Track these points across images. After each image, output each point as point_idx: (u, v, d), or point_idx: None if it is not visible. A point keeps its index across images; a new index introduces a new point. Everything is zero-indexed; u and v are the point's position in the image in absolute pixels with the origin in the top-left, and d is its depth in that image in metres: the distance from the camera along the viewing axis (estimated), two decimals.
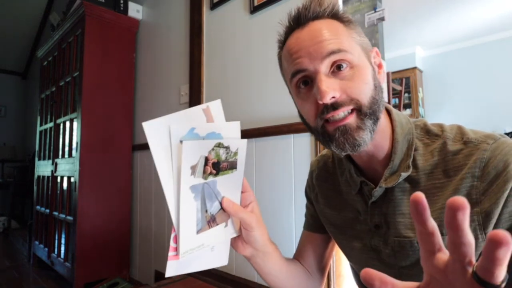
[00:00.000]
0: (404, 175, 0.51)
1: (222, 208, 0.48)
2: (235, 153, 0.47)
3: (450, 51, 4.59)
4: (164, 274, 2.15)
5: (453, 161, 0.49)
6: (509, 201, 0.44)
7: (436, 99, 4.70)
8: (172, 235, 0.43)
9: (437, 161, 0.51)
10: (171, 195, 0.42)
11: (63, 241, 2.20)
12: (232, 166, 0.48)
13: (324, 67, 0.47)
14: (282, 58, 0.55)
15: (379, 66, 0.53)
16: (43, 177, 2.62)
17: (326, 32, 0.48)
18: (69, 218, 2.09)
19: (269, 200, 1.38)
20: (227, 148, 0.45)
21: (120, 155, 2.19)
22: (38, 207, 2.66)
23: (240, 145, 0.47)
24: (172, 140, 0.41)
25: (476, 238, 0.46)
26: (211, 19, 1.75)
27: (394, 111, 0.56)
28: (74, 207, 2.02)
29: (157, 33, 2.19)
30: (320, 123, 0.49)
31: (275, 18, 1.41)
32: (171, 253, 0.43)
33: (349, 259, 0.66)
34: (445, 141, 0.51)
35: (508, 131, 3.79)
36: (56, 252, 2.28)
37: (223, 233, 0.49)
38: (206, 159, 0.43)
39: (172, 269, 0.44)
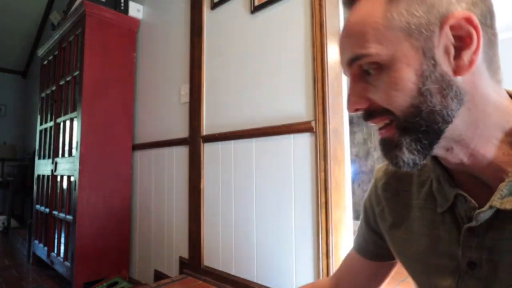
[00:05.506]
0: None
1: None
2: None
3: None
4: (163, 274, 2.13)
5: None
6: None
7: None
8: None
9: None
10: None
11: (62, 240, 2.20)
12: None
13: (352, 72, 0.40)
14: None
15: (465, 39, 0.35)
16: (43, 176, 2.62)
17: (353, 29, 0.38)
18: (69, 217, 2.09)
19: (268, 200, 1.38)
20: None
21: (120, 155, 2.19)
22: (38, 206, 2.66)
23: None
24: None
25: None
26: (211, 19, 1.75)
27: None
28: (73, 207, 2.02)
29: (157, 33, 2.19)
30: None
31: (276, 18, 1.41)
32: None
33: None
34: None
35: None
36: (55, 251, 2.28)
37: None
38: None
39: None
